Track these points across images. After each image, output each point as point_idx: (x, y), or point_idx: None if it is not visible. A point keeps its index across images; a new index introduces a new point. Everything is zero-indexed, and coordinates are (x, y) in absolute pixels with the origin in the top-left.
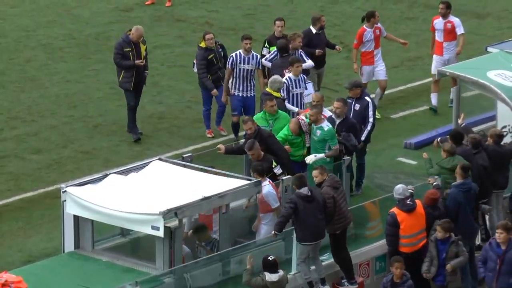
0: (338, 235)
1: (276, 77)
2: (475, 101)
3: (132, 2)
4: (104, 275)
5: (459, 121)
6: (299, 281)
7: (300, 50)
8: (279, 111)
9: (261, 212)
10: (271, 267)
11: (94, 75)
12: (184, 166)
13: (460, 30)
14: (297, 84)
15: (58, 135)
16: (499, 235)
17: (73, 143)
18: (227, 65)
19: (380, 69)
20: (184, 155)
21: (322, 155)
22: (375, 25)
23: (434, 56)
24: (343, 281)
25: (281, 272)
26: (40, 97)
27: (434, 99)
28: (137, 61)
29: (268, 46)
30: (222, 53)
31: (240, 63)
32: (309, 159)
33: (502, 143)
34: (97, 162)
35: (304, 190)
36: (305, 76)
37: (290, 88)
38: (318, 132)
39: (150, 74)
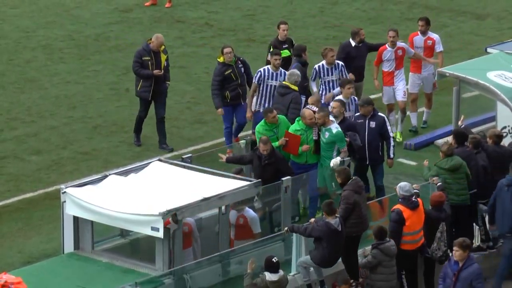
0: (352, 238)
1: (294, 70)
2: (475, 102)
3: (132, 3)
4: (104, 276)
5: (459, 123)
6: (299, 282)
7: (341, 63)
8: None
9: (237, 238)
10: (273, 267)
11: (94, 76)
12: (184, 167)
13: (439, 47)
14: (347, 107)
15: (58, 136)
16: (455, 252)
17: (73, 144)
18: (253, 80)
19: (398, 89)
20: (183, 156)
21: (339, 157)
22: (398, 45)
23: (411, 74)
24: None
25: (281, 272)
26: (39, 98)
27: (413, 118)
28: (155, 71)
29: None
30: (242, 69)
31: (268, 79)
32: (334, 163)
33: (501, 143)
34: (96, 163)
35: (336, 223)
36: (355, 98)
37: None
38: (327, 134)
39: None
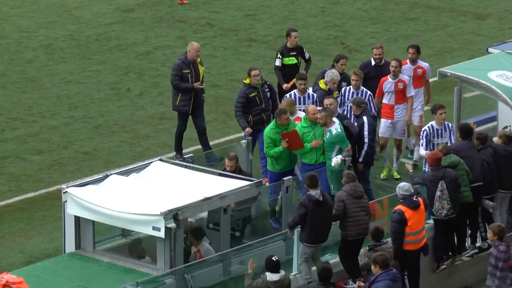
0: (349, 242)
1: (334, 70)
2: (476, 101)
3: (133, 2)
4: (105, 276)
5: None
6: (300, 281)
7: (369, 93)
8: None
9: None
10: (274, 267)
11: (95, 76)
12: (185, 167)
13: (429, 74)
14: (440, 134)
15: (59, 135)
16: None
17: (74, 143)
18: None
19: (397, 127)
20: (185, 156)
21: (340, 156)
22: (399, 77)
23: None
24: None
25: (282, 272)
26: (40, 98)
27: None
28: (195, 84)
29: (281, 57)
30: (268, 93)
31: (295, 104)
32: (335, 163)
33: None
34: (98, 162)
35: (316, 194)
36: (449, 124)
37: (431, 137)
38: (327, 134)
39: (151, 75)
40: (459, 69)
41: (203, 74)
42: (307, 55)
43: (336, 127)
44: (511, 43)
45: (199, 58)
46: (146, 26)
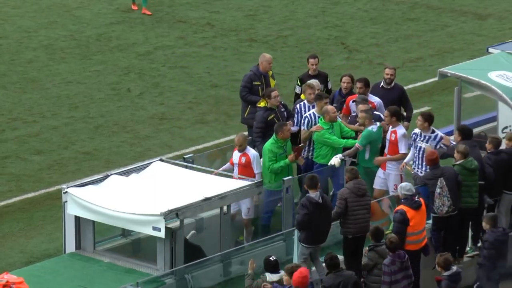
0: (350, 240)
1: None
2: (476, 102)
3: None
4: (105, 276)
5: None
6: None
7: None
8: None
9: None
10: (273, 267)
11: (95, 76)
12: (185, 167)
13: (382, 110)
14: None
15: (59, 136)
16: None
17: (74, 144)
18: (302, 126)
19: (390, 179)
20: (185, 156)
21: (340, 155)
22: (394, 128)
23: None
24: None
25: (282, 272)
26: (41, 98)
27: None
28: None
29: (300, 84)
30: (285, 113)
31: (317, 123)
32: (335, 162)
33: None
34: (98, 163)
35: (316, 196)
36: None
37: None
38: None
39: (152, 75)
40: (459, 69)
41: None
42: (329, 85)
43: (373, 127)
44: None
45: (271, 71)
46: (147, 26)
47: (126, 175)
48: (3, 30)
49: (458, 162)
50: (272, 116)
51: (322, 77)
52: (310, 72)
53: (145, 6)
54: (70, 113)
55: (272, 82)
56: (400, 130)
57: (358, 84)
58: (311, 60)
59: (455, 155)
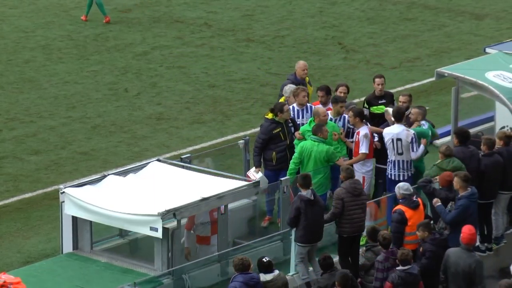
0: (345, 239)
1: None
2: (473, 102)
3: (131, 3)
4: (103, 276)
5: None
6: (297, 282)
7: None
8: None
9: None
10: (265, 268)
11: (93, 76)
12: (183, 167)
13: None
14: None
15: (57, 136)
16: None
17: (72, 144)
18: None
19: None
20: (182, 156)
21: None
22: (358, 129)
23: None
24: None
25: (276, 272)
26: (38, 98)
27: None
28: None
29: (368, 107)
30: (292, 128)
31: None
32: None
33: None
34: (95, 163)
35: (308, 194)
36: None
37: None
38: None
39: (149, 75)
40: (456, 69)
41: (311, 94)
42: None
43: (423, 122)
44: (509, 43)
45: (307, 78)
46: (144, 27)
47: (123, 175)
48: (0, 30)
49: (436, 163)
50: (278, 129)
51: (390, 97)
52: (376, 93)
53: (104, 14)
54: (67, 113)
55: (310, 89)
56: (363, 130)
57: (320, 93)
58: (377, 80)
59: (439, 155)
